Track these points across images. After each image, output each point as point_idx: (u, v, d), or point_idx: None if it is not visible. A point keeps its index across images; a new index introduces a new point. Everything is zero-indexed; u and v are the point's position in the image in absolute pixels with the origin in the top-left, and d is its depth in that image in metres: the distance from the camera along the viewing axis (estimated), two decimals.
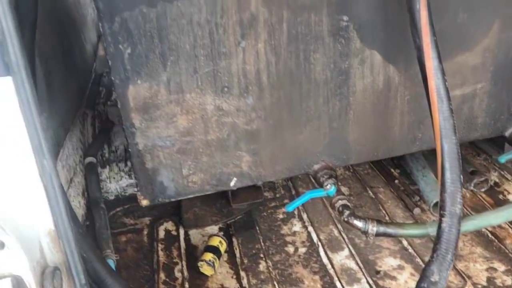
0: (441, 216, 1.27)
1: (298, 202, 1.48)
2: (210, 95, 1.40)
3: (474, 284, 1.42)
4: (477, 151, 2.04)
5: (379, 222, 1.36)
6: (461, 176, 1.29)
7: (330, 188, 1.44)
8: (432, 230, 1.33)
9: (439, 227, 1.26)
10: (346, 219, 1.38)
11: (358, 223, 1.36)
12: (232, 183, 1.52)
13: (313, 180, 1.84)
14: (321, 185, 1.48)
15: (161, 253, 1.65)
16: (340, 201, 1.42)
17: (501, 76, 1.56)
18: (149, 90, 1.35)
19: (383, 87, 1.50)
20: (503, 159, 1.63)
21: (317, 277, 1.50)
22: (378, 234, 1.35)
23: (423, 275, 1.23)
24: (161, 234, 1.76)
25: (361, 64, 1.45)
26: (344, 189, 1.92)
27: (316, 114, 1.49)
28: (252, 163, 1.51)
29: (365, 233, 1.36)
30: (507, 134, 1.64)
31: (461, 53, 1.49)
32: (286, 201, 1.88)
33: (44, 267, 0.92)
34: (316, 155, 1.55)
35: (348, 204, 1.42)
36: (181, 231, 1.76)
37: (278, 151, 1.51)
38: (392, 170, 2.01)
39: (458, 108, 1.57)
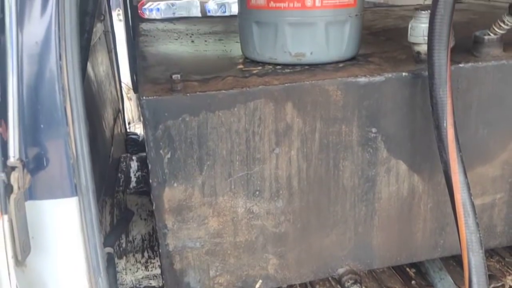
0: None
1: None
2: (242, 198, 1.43)
3: None
4: (490, 252, 2.07)
5: None
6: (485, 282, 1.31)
7: None
8: None
9: None
10: None
11: None
12: (257, 286, 1.52)
13: (333, 283, 1.84)
14: None
15: None
16: None
17: None
18: (184, 192, 1.38)
19: (407, 195, 1.55)
20: None
21: None
22: None
23: None
24: None
25: (387, 172, 1.51)
26: None
27: (342, 218, 1.52)
28: (278, 266, 1.52)
29: None
30: None
31: (481, 165, 1.56)
32: None
33: None
34: (341, 259, 1.56)
35: None
36: None
37: (304, 254, 1.53)
38: (408, 269, 2.02)
39: (478, 217, 1.61)
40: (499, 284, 1.83)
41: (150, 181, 1.34)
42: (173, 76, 1.29)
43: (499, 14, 1.46)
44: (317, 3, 1.39)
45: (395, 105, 1.43)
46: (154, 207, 1.37)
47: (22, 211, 0.71)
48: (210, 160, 1.37)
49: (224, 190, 1.41)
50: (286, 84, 1.35)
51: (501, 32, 1.43)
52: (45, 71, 0.70)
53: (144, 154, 2.95)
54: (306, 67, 1.48)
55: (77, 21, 0.72)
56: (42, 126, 0.70)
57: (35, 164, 0.74)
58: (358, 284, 1.50)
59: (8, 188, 0.69)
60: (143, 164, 2.56)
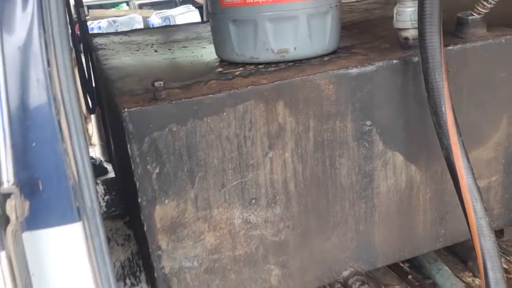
0: None
1: None
2: (237, 208, 1.33)
3: None
4: None
5: None
6: (504, 275, 1.27)
7: None
8: None
9: None
10: None
11: None
12: None
13: None
14: None
15: None
16: None
17: (510, 169, 1.60)
18: (176, 208, 1.26)
19: (406, 187, 1.49)
20: None
21: None
22: None
23: None
24: None
25: (384, 165, 1.45)
26: None
27: (343, 218, 1.45)
28: (281, 276, 1.43)
29: None
30: None
31: (476, 148, 1.53)
32: None
33: None
34: (344, 261, 1.49)
35: None
36: None
37: (306, 260, 1.44)
38: (402, 264, 1.97)
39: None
40: None
41: (139, 200, 1.22)
42: (156, 84, 1.18)
43: None
44: None
45: (387, 95, 1.38)
46: (145, 228, 1.25)
47: (20, 244, 0.59)
48: (202, 171, 1.26)
49: (219, 201, 1.30)
50: (276, 82, 1.26)
51: (485, 11, 1.41)
52: (32, 81, 0.58)
53: (108, 176, 2.81)
54: (291, 63, 1.41)
55: (65, 21, 0.60)
56: (34, 144, 0.58)
57: (28, 188, 0.62)
58: (366, 285, 1.43)
59: (3, 219, 0.57)
60: (109, 187, 2.43)
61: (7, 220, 0.57)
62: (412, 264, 1.96)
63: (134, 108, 1.15)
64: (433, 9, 1.22)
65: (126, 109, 1.15)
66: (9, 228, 0.57)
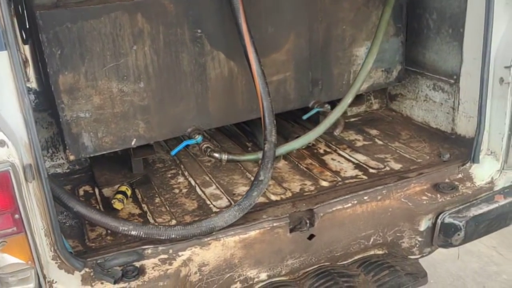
0: (264, 143, 2.11)
1: (179, 148, 2.25)
2: (114, 81, 2.13)
3: (291, 191, 2.27)
4: (285, 115, 2.81)
5: (229, 153, 2.17)
6: (274, 121, 2.16)
7: (198, 138, 2.23)
8: (260, 155, 2.17)
9: (263, 150, 2.10)
10: (208, 154, 2.18)
11: (216, 155, 2.17)
12: (133, 143, 2.24)
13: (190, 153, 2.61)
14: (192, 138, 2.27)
15: None
16: (204, 144, 2.22)
17: (299, 68, 2.49)
18: (73, 78, 2.05)
19: (228, 75, 2.34)
20: (305, 116, 2.56)
21: (194, 201, 2.25)
22: (228, 161, 2.17)
23: (255, 177, 2.05)
24: (81, 193, 2.39)
25: (212, 60, 2.28)
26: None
27: (186, 93, 2.28)
28: (146, 129, 2.25)
29: (221, 160, 2.16)
30: (310, 105, 2.57)
31: (274, 53, 2.40)
32: (173, 167, 2.61)
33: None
34: (189, 121, 2.33)
35: (210, 146, 2.22)
36: (96, 190, 2.41)
37: (163, 119, 2.27)
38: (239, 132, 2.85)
39: (277, 89, 2.46)
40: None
41: (49, 71, 1.98)
42: None
43: None
44: None
45: (211, 12, 2.20)
46: (53, 89, 2.02)
47: None
48: (89, 55, 2.04)
49: (101, 76, 2.09)
50: (135, 0, 2.05)
51: None
52: None
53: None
54: None
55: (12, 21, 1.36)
56: None
57: None
58: (201, 135, 2.29)
59: None
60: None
61: None
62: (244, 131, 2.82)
63: (43, 11, 1.91)
64: None
65: (38, 12, 1.90)
66: None
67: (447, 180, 2.31)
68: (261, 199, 2.16)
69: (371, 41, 2.53)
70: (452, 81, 2.57)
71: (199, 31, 2.21)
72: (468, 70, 2.45)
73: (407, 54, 2.82)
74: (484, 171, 2.34)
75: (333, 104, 2.59)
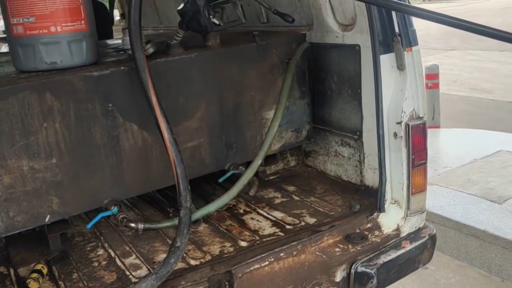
0: (179, 210, 2.17)
1: (94, 221, 2.25)
2: (25, 159, 2.13)
3: (211, 254, 2.31)
4: (203, 178, 2.92)
5: (146, 221, 2.21)
6: (188, 186, 2.22)
7: (113, 209, 2.25)
8: (176, 221, 2.22)
9: (179, 216, 2.15)
10: (125, 225, 2.20)
11: (132, 225, 2.19)
12: (47, 219, 2.22)
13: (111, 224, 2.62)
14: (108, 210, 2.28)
15: None
16: (121, 215, 2.24)
17: (213, 133, 2.61)
18: None
19: (142, 145, 2.41)
20: (220, 179, 2.65)
21: (114, 273, 2.23)
22: (145, 229, 2.20)
23: (171, 244, 2.09)
24: None
25: (125, 132, 2.35)
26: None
27: (100, 166, 2.31)
28: (60, 204, 2.24)
29: (137, 230, 2.19)
30: (226, 167, 2.67)
31: (186, 121, 2.51)
32: (92, 240, 2.59)
33: None
34: (105, 193, 2.35)
35: (126, 216, 2.25)
36: (12, 271, 2.33)
37: (78, 193, 2.28)
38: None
39: (192, 155, 2.55)
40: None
41: None
42: None
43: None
44: (59, 29, 2.19)
45: (121, 87, 2.29)
46: None
47: None
48: None
49: (11, 155, 2.09)
50: (43, 80, 2.11)
51: (179, 38, 2.41)
52: None
53: None
54: (59, 71, 2.26)
55: None
56: None
57: None
58: (118, 206, 2.31)
59: None
60: None
61: None
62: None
63: None
64: (137, 37, 2.16)
65: None
66: None
67: (357, 230, 2.46)
68: (181, 265, 2.19)
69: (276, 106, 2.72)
70: (356, 136, 2.77)
71: (110, 105, 2.29)
72: (368, 126, 2.66)
73: (316, 113, 3.02)
74: (390, 219, 2.52)
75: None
